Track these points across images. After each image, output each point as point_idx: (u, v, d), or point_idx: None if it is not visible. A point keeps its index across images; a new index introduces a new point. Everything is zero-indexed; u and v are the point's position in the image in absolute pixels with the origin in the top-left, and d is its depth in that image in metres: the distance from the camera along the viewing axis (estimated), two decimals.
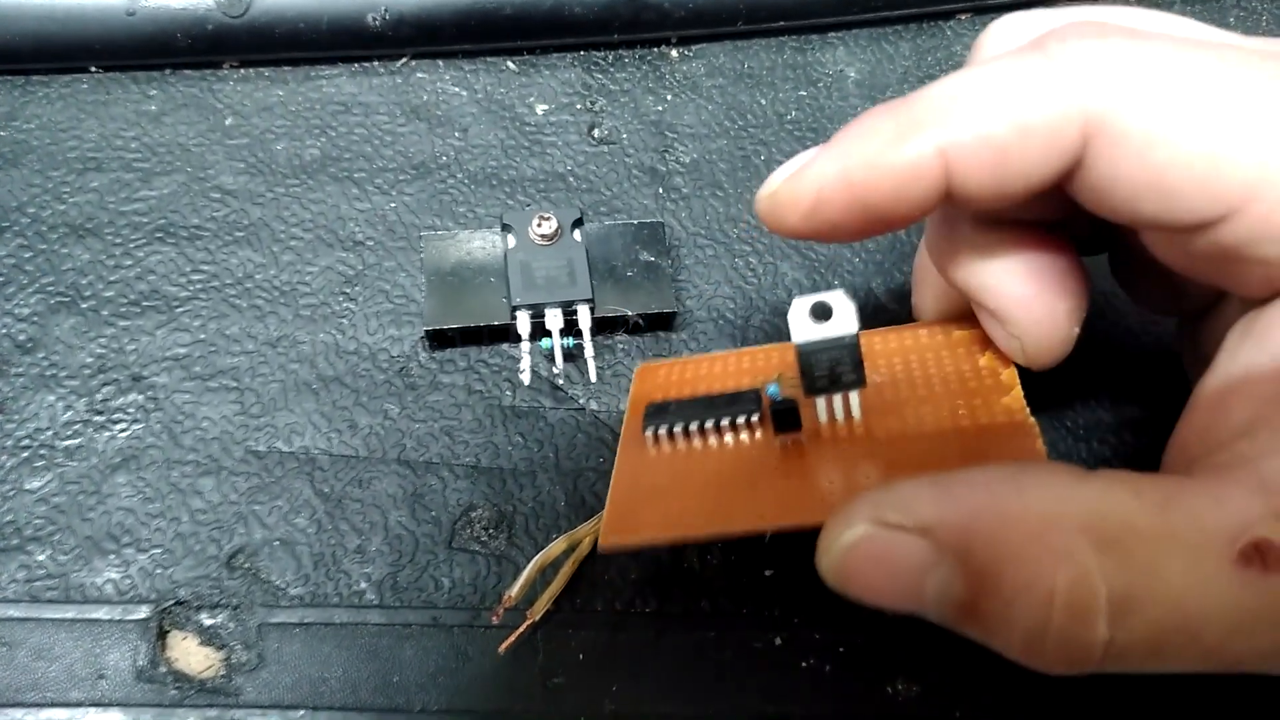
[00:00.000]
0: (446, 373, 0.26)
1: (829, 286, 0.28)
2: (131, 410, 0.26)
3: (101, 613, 0.23)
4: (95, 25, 0.29)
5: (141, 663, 0.23)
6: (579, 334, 0.26)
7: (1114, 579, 0.15)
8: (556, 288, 0.26)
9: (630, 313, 0.26)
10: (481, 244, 0.27)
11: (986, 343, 0.21)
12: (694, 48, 0.32)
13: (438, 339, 0.26)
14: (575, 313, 0.26)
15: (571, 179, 0.29)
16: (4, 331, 0.26)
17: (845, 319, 0.19)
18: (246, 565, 0.24)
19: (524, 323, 0.26)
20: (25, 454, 0.25)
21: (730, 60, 0.32)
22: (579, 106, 0.31)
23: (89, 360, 0.26)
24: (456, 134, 0.30)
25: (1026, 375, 0.21)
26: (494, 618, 0.23)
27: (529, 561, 0.23)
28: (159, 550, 0.24)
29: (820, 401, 0.20)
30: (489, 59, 0.31)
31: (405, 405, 0.26)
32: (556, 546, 0.23)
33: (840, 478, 0.19)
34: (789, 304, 0.28)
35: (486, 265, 0.27)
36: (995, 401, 0.20)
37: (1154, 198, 0.17)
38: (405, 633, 0.23)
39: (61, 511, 0.24)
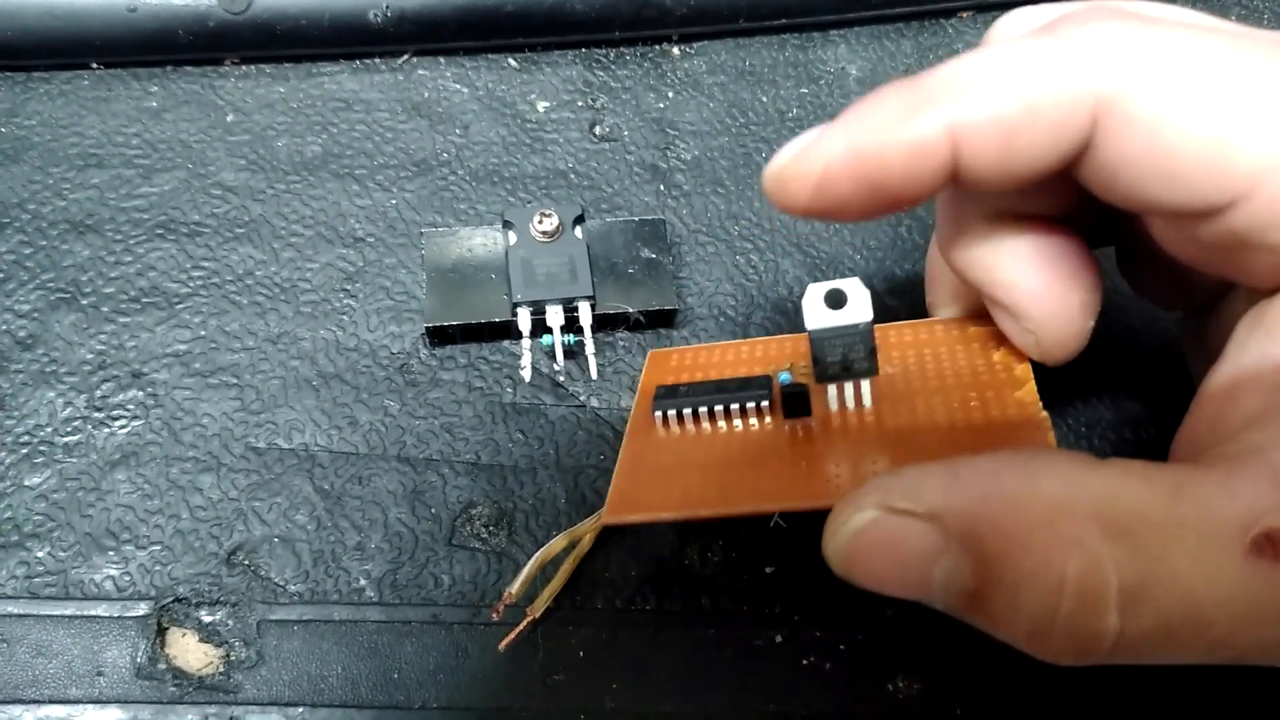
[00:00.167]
0: (447, 369, 0.26)
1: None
2: (131, 407, 0.26)
3: (101, 609, 0.23)
4: (96, 22, 0.29)
5: (141, 659, 0.23)
6: (580, 331, 0.26)
7: (1125, 568, 0.15)
8: (558, 284, 0.26)
9: (631, 310, 0.26)
10: (482, 241, 0.27)
11: (1001, 339, 0.21)
12: (695, 45, 0.32)
13: (438, 336, 0.26)
14: (576, 309, 0.26)
15: (573, 176, 0.29)
16: (4, 328, 0.26)
17: (860, 306, 0.19)
18: (246, 562, 0.24)
19: (525, 319, 0.26)
20: (25, 450, 0.25)
21: (732, 58, 0.32)
22: (580, 104, 0.31)
23: (89, 357, 0.26)
24: (458, 131, 0.30)
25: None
26: (494, 615, 0.23)
27: (529, 558, 0.23)
28: (158, 547, 0.24)
29: (831, 389, 0.20)
30: (490, 56, 0.31)
31: (406, 402, 0.26)
32: (557, 544, 0.23)
33: (849, 465, 0.19)
34: (790, 301, 0.28)
35: (487, 262, 0.27)
36: (1008, 395, 0.20)
37: (1162, 182, 0.17)
38: (405, 630, 0.23)
39: (61, 508, 0.24)
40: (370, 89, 0.30)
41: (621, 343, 0.27)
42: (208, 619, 0.23)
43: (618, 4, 0.30)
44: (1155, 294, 0.23)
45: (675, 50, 0.32)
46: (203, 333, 0.27)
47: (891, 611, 0.23)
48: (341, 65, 0.31)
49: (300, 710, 0.22)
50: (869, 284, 0.28)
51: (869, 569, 0.17)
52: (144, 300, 0.27)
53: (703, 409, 0.21)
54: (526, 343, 0.26)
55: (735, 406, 0.21)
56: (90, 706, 0.22)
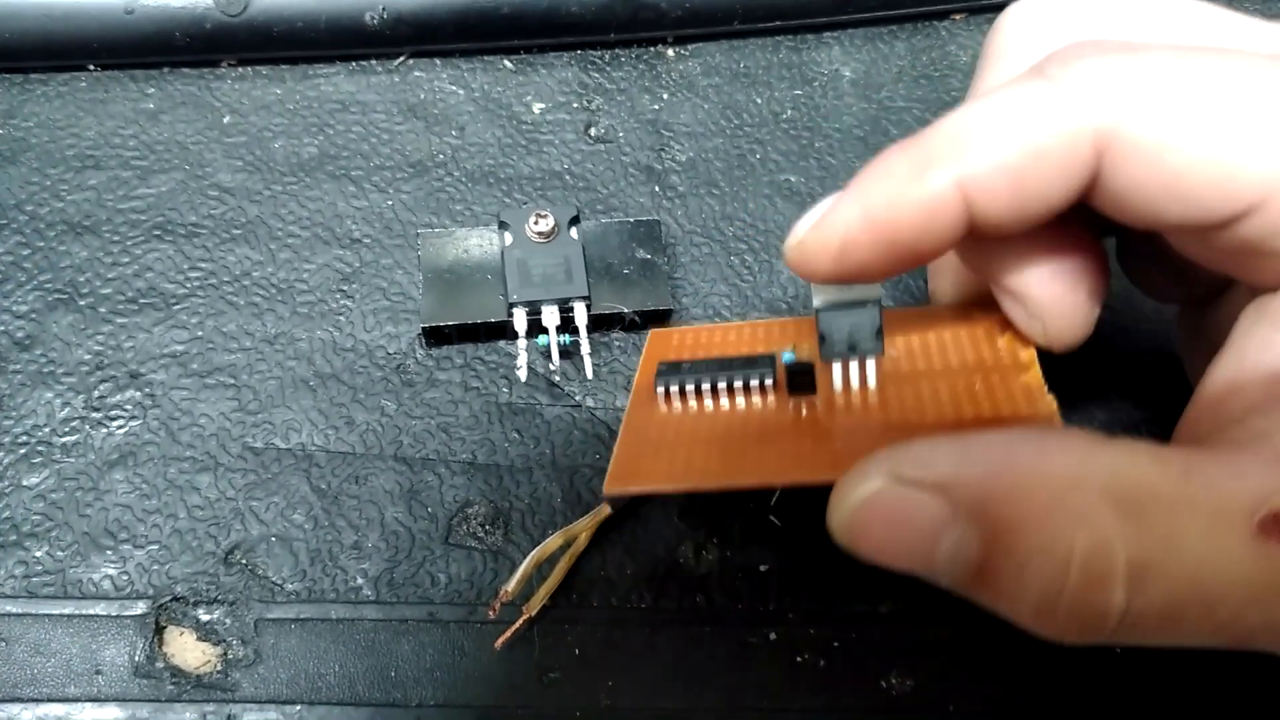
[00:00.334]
0: (443, 369, 0.26)
1: None
2: (129, 407, 0.26)
3: (99, 608, 0.23)
4: (94, 23, 0.29)
5: (139, 658, 0.23)
6: (575, 331, 0.26)
7: (1133, 544, 0.15)
8: (553, 285, 0.26)
9: (627, 310, 0.26)
10: (478, 241, 0.27)
11: (1005, 325, 0.21)
12: (690, 47, 0.32)
13: (435, 336, 0.27)
14: (572, 310, 0.26)
15: (568, 177, 0.30)
16: (2, 329, 0.27)
17: (869, 282, 0.19)
18: (243, 561, 0.24)
19: (521, 320, 0.26)
20: (23, 450, 0.25)
21: (726, 59, 0.32)
22: (576, 105, 0.31)
23: (86, 357, 0.26)
24: (454, 132, 0.30)
25: None
26: (490, 613, 0.23)
27: (525, 557, 0.23)
28: (156, 546, 0.24)
29: (836, 369, 0.20)
30: (486, 58, 0.31)
31: (402, 402, 0.26)
32: (553, 542, 0.23)
33: (852, 443, 0.19)
34: (785, 301, 0.28)
35: (483, 263, 0.27)
36: (1013, 379, 0.20)
37: (1173, 203, 0.17)
38: (402, 628, 0.23)
39: (59, 508, 0.24)
40: (366, 90, 0.31)
41: (617, 343, 0.27)
42: (205, 618, 0.23)
43: (613, 6, 0.30)
44: (1154, 288, 0.23)
45: (670, 52, 0.32)
46: (200, 333, 0.27)
47: (885, 609, 0.24)
48: (338, 67, 0.31)
49: (298, 708, 0.23)
50: None
51: (874, 540, 0.16)
52: (141, 301, 0.27)
53: (706, 385, 0.21)
54: (522, 343, 0.26)
55: (739, 384, 0.21)
56: (88, 705, 0.22)
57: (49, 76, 0.30)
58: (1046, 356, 0.20)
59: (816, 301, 0.20)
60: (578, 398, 0.26)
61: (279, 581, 0.24)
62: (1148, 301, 0.24)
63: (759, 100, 0.31)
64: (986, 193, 0.17)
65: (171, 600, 0.23)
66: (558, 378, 0.26)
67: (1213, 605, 0.15)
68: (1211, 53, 0.17)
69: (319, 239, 0.28)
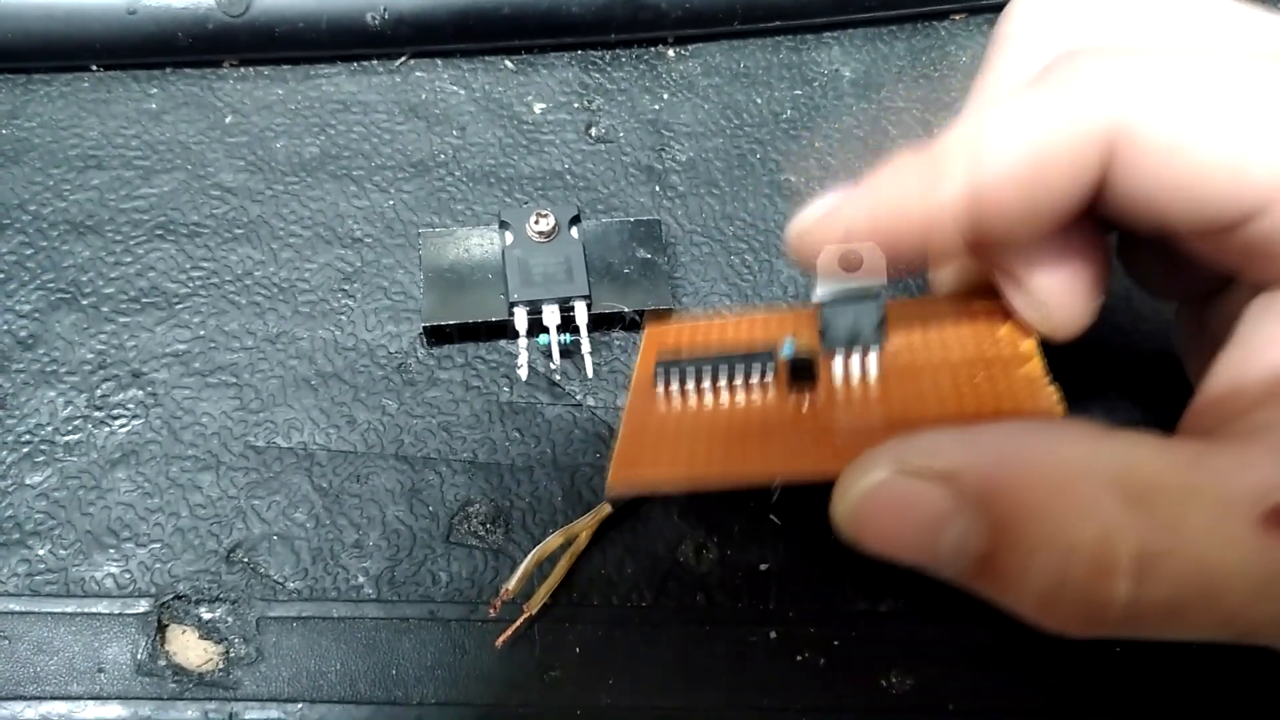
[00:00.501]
0: (444, 369, 0.27)
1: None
2: (131, 406, 0.26)
3: (101, 607, 0.23)
4: (96, 24, 0.29)
5: (141, 656, 0.23)
6: (576, 330, 0.26)
7: (1139, 535, 0.15)
8: (554, 284, 0.26)
9: (627, 309, 0.26)
10: (479, 241, 0.27)
11: (1007, 314, 0.21)
12: (690, 47, 0.32)
13: (436, 335, 0.27)
14: (572, 309, 0.26)
15: (569, 177, 0.30)
16: (5, 328, 0.27)
17: (875, 270, 0.19)
18: (245, 560, 0.24)
19: (521, 319, 0.26)
20: (26, 449, 0.25)
21: (726, 60, 0.32)
22: (576, 105, 0.31)
23: (89, 356, 0.26)
24: (455, 132, 0.30)
25: None
26: (491, 611, 0.23)
27: (526, 556, 0.23)
28: (158, 545, 0.24)
29: (837, 361, 0.20)
30: (487, 58, 0.31)
31: (403, 401, 0.26)
32: (553, 541, 0.23)
33: (854, 436, 0.19)
34: (785, 301, 0.28)
35: (484, 262, 0.27)
36: (1014, 370, 0.20)
37: (1183, 205, 0.17)
38: (403, 626, 0.23)
39: (62, 506, 0.24)
40: (368, 91, 0.31)
41: (617, 342, 0.27)
42: (207, 616, 0.23)
43: (613, 6, 0.31)
44: (1155, 285, 0.23)
45: (670, 52, 0.32)
46: (202, 332, 0.27)
47: (885, 608, 0.24)
48: (339, 67, 0.31)
49: (299, 706, 0.23)
50: None
51: (878, 531, 0.16)
52: (144, 300, 0.27)
53: (706, 379, 0.21)
54: (523, 342, 0.26)
55: (739, 377, 0.21)
56: (91, 703, 0.23)
57: (52, 77, 0.30)
58: (1047, 353, 0.20)
59: (819, 293, 0.20)
60: (578, 397, 0.26)
61: (281, 580, 0.24)
62: (1147, 300, 0.24)
63: (759, 100, 0.31)
64: (997, 201, 0.17)
65: (174, 598, 0.24)
66: (558, 377, 0.26)
67: (1218, 597, 0.15)
68: (1215, 53, 0.17)
69: (320, 238, 0.28)
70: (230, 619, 0.23)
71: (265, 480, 0.25)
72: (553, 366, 0.26)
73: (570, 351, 0.26)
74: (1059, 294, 0.20)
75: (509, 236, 0.27)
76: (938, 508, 0.16)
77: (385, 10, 0.30)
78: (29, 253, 0.28)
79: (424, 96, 0.31)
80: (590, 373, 0.26)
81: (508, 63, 0.31)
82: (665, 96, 0.31)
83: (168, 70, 0.31)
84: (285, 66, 0.31)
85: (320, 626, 0.23)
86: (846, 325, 0.20)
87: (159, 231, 0.28)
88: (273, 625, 0.23)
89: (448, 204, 0.29)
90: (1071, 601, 0.15)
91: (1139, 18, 0.19)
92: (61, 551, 0.24)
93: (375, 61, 0.31)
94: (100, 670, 0.23)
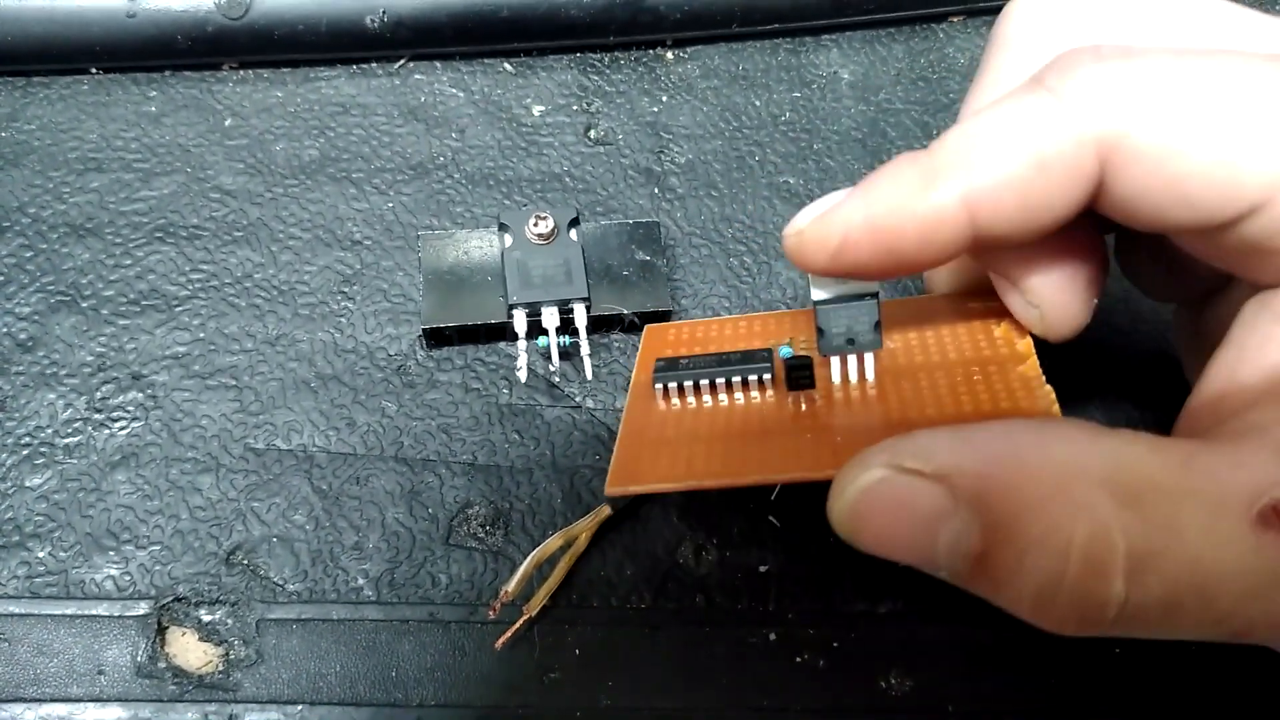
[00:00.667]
0: (444, 371, 0.27)
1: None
2: (131, 408, 0.26)
3: (101, 609, 0.23)
4: (96, 27, 0.29)
5: (141, 658, 0.23)
6: (575, 332, 0.26)
7: (1133, 534, 0.15)
8: (553, 287, 0.26)
9: (626, 311, 0.26)
10: (479, 243, 0.27)
11: (1002, 314, 0.21)
12: (689, 50, 0.32)
13: (435, 337, 0.27)
14: (571, 311, 0.26)
15: (568, 179, 0.30)
16: (5, 330, 0.27)
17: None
18: (245, 562, 0.24)
19: (520, 321, 0.26)
20: (26, 451, 0.25)
21: (725, 62, 0.32)
22: (575, 108, 0.31)
23: (89, 359, 0.26)
24: (454, 135, 0.30)
25: None
26: (491, 613, 0.23)
27: (525, 558, 0.23)
28: (158, 547, 0.24)
29: (834, 363, 0.21)
30: (486, 61, 0.31)
31: (403, 403, 0.26)
32: (553, 543, 0.23)
33: (852, 437, 0.19)
34: (784, 304, 0.28)
35: (483, 264, 0.27)
36: (1010, 370, 0.20)
37: (1177, 206, 0.17)
38: (403, 628, 0.23)
39: (61, 508, 0.24)
40: (367, 93, 0.31)
41: (616, 344, 0.27)
42: (207, 618, 0.23)
43: (612, 9, 0.31)
44: (1153, 286, 0.23)
45: (669, 55, 0.32)
46: (202, 335, 0.27)
47: (885, 609, 0.24)
48: (339, 70, 0.31)
49: (299, 708, 0.23)
50: None
51: (874, 530, 0.16)
52: (143, 303, 0.27)
53: (704, 381, 0.21)
54: (522, 344, 0.26)
55: (737, 379, 0.21)
56: (91, 705, 0.23)
57: (51, 79, 0.30)
58: (1044, 354, 0.21)
59: (815, 295, 0.20)
60: (577, 399, 0.26)
61: (280, 582, 0.24)
62: (1145, 301, 0.24)
63: (758, 102, 0.31)
64: (993, 206, 0.17)
65: (173, 601, 0.24)
66: (557, 379, 0.26)
67: (1212, 596, 0.15)
68: (1208, 54, 0.17)
69: (320, 241, 0.28)
70: (230, 621, 0.23)
71: (265, 482, 0.25)
72: (552, 369, 0.26)
73: (569, 354, 0.27)
74: (1054, 295, 0.20)
75: (508, 239, 0.27)
76: (933, 507, 0.16)
77: (384, 13, 0.30)
78: (29, 255, 0.28)
79: (423, 99, 0.31)
80: (589, 375, 0.26)
81: (507, 65, 0.31)
82: (664, 99, 0.31)
83: (167, 73, 0.31)
84: (285, 69, 0.31)
85: (320, 628, 0.23)
86: (843, 326, 0.20)
87: (159, 234, 0.28)
88: (272, 627, 0.23)
89: (447, 206, 0.29)
90: (1066, 601, 0.15)
91: (1136, 20, 0.19)
92: (61, 553, 0.24)
93: (375, 64, 0.31)
94: (100, 672, 0.23)
